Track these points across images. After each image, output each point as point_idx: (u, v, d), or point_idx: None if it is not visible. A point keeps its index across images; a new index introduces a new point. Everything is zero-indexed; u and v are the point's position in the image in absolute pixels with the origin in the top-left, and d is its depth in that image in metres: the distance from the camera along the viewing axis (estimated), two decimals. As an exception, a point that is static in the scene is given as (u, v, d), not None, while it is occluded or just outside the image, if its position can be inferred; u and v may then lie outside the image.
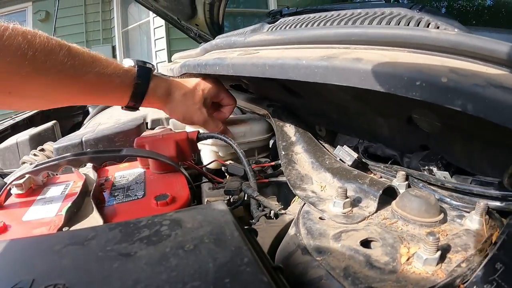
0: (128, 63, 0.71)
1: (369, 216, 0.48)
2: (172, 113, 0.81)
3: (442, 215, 0.44)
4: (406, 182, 0.54)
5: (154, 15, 5.36)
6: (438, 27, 0.47)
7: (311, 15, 0.70)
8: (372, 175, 0.64)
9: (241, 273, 0.28)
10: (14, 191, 0.64)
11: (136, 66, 0.70)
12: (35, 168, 0.64)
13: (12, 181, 0.63)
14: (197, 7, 2.09)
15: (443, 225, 0.44)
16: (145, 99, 0.73)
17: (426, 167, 0.53)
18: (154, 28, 5.42)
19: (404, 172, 0.54)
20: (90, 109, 2.32)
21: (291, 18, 0.74)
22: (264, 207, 0.65)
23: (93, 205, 0.57)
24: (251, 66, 0.55)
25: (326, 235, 0.44)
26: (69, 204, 0.58)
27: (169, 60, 5.40)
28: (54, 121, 1.34)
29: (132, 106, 0.74)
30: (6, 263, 0.35)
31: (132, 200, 0.62)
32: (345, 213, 0.49)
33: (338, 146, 0.65)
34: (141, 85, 0.71)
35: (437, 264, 0.36)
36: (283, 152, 0.69)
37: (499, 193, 0.43)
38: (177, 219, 0.39)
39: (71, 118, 2.24)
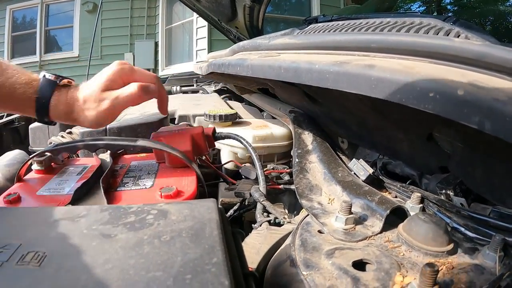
0: (40, 76, 0.65)
1: (371, 236, 0.45)
2: (85, 123, 0.67)
3: (451, 246, 0.40)
4: (421, 205, 0.50)
5: (198, 15, 5.55)
6: (468, 39, 0.43)
7: (341, 22, 0.68)
8: (387, 193, 0.60)
9: (205, 272, 0.26)
10: (35, 167, 0.68)
11: (40, 79, 0.64)
12: (55, 148, 0.67)
13: (33, 156, 0.66)
14: (237, 9, 2.11)
15: (451, 256, 0.40)
16: (50, 115, 0.65)
17: (443, 191, 0.48)
18: (197, 28, 5.56)
19: (419, 194, 0.50)
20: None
21: (320, 24, 0.72)
22: (269, 213, 0.64)
23: (101, 189, 0.59)
24: (268, 68, 0.54)
25: (320, 250, 0.41)
26: (79, 184, 0.61)
27: (211, 62, 5.59)
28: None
29: (43, 121, 0.66)
30: (3, 227, 0.37)
31: (140, 188, 0.64)
32: (346, 230, 0.46)
33: (354, 159, 0.62)
34: (41, 99, 0.64)
35: (432, 299, 0.32)
36: (297, 160, 0.67)
37: (521, 228, 0.38)
38: (164, 210, 0.38)
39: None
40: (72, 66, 6.89)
